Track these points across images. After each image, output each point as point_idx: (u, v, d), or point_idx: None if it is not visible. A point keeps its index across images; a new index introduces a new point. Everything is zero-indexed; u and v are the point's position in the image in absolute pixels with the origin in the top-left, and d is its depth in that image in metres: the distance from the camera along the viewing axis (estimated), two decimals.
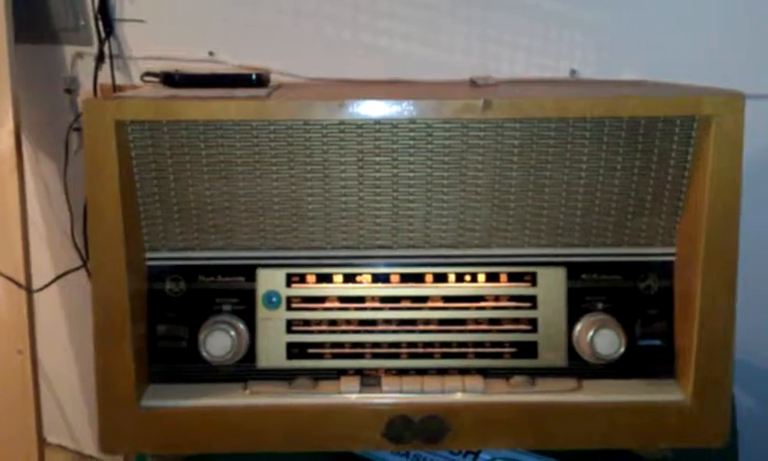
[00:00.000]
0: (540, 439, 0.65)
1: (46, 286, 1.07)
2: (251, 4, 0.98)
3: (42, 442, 1.11)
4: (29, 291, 1.05)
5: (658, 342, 0.66)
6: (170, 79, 0.70)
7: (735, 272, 0.62)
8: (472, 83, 0.81)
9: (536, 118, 0.62)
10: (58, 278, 1.08)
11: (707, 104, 0.61)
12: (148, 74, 0.71)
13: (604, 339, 0.63)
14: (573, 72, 0.92)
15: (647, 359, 0.66)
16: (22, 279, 1.04)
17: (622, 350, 0.63)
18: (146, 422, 0.64)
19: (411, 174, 0.64)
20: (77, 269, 1.05)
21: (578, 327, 0.65)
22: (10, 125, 1.02)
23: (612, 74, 0.92)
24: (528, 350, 0.66)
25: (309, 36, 0.98)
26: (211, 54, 0.98)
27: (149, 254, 0.66)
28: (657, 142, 0.63)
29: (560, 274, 0.66)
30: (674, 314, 0.66)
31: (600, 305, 0.66)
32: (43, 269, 1.12)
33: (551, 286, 0.66)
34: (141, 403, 0.64)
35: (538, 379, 0.65)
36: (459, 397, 0.64)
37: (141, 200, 0.64)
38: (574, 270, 0.66)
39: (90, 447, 1.30)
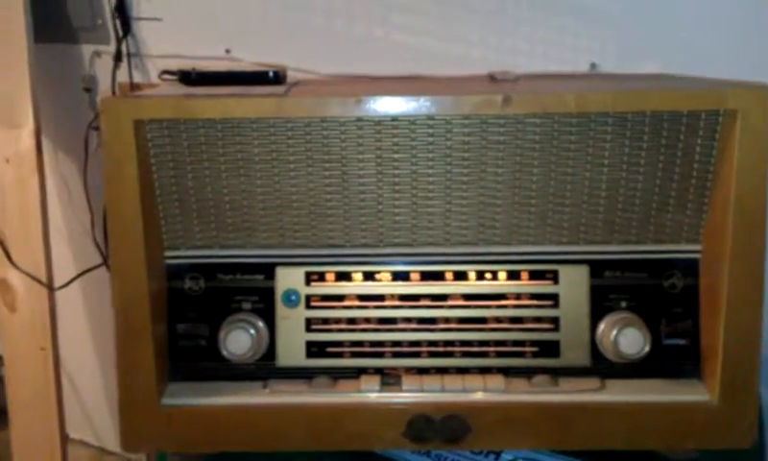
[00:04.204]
0: (562, 439, 0.64)
1: (67, 284, 1.08)
2: (266, 2, 0.98)
3: (65, 438, 1.12)
4: (50, 289, 1.06)
5: (683, 341, 0.65)
6: (187, 77, 0.70)
7: (762, 269, 0.61)
8: (491, 77, 0.80)
9: (557, 113, 0.61)
10: (79, 275, 1.09)
11: (732, 97, 0.59)
12: (165, 72, 0.71)
13: (628, 338, 0.62)
14: (593, 66, 0.91)
15: (672, 358, 0.65)
16: (44, 277, 1.05)
17: (647, 349, 0.62)
18: (167, 420, 0.64)
19: (430, 171, 0.64)
20: (97, 267, 1.05)
21: (601, 326, 0.64)
22: (30, 125, 1.02)
23: (632, 67, 0.90)
24: (550, 349, 0.65)
25: (324, 33, 0.97)
26: (228, 51, 0.98)
27: (168, 253, 0.66)
28: (681, 137, 0.62)
29: (582, 272, 0.65)
30: (699, 312, 0.65)
31: (624, 304, 0.64)
32: (64, 267, 1.13)
33: (573, 284, 0.65)
34: (162, 402, 0.65)
35: (560, 379, 0.64)
36: (480, 396, 0.64)
37: (160, 198, 0.64)
38: (597, 268, 0.65)
39: (112, 443, 1.31)
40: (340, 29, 0.96)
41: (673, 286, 0.65)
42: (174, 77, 0.70)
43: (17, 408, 1.11)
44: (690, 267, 0.65)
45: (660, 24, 0.89)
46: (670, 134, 0.62)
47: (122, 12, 1.00)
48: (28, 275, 1.05)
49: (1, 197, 1.06)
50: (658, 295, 0.65)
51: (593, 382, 0.64)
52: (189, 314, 0.66)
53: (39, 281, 1.05)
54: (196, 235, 0.66)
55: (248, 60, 0.97)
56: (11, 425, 1.12)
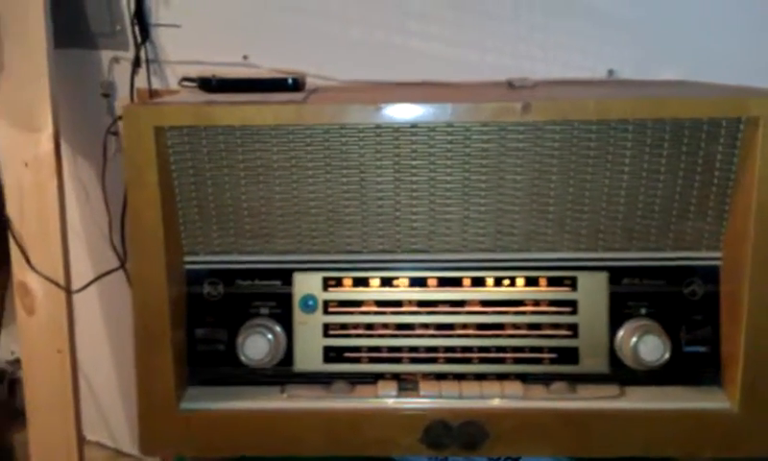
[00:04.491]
0: (580, 446, 0.64)
1: (85, 287, 1.09)
2: (284, 8, 0.98)
3: (81, 439, 1.13)
4: (68, 292, 1.07)
5: (703, 348, 0.64)
6: (207, 84, 0.70)
7: None
8: (509, 84, 0.80)
9: (576, 120, 0.61)
10: (96, 279, 1.10)
11: (754, 104, 0.59)
12: (185, 79, 0.71)
13: (648, 345, 0.61)
14: (611, 72, 0.91)
15: (692, 366, 0.64)
16: (62, 281, 1.06)
17: (667, 356, 0.62)
18: (185, 424, 0.65)
19: (448, 177, 0.64)
20: (115, 270, 1.06)
21: (620, 333, 0.64)
22: (49, 129, 1.04)
23: (649, 74, 0.90)
24: (569, 355, 0.65)
25: (341, 40, 0.98)
26: (245, 58, 0.98)
27: (187, 258, 0.67)
28: (702, 144, 0.62)
29: (601, 278, 0.65)
30: (720, 320, 0.64)
31: (643, 311, 0.64)
32: (82, 270, 1.14)
33: (592, 291, 0.65)
34: (180, 406, 0.65)
35: (578, 386, 0.64)
36: (498, 402, 0.64)
37: (179, 204, 0.65)
38: (616, 274, 0.65)
39: (127, 444, 1.32)
40: (357, 36, 0.97)
41: (693, 293, 0.65)
42: (194, 84, 0.71)
43: (35, 410, 1.12)
44: (711, 274, 0.64)
45: (677, 30, 0.89)
46: (691, 142, 0.61)
47: (141, 18, 1.01)
48: (46, 278, 1.06)
49: (20, 201, 1.07)
50: (677, 302, 0.65)
51: (612, 389, 0.64)
52: (208, 319, 0.67)
53: (57, 285, 1.06)
54: (215, 241, 0.66)
55: (265, 66, 0.97)
56: (28, 427, 1.13)
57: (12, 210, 1.07)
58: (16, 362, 1.27)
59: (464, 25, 0.95)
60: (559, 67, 0.93)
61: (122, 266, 1.05)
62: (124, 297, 1.09)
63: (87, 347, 1.19)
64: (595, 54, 0.92)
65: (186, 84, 0.72)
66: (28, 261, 1.07)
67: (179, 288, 0.66)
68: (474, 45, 0.95)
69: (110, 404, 1.31)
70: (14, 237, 1.07)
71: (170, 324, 0.63)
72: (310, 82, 0.76)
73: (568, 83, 0.90)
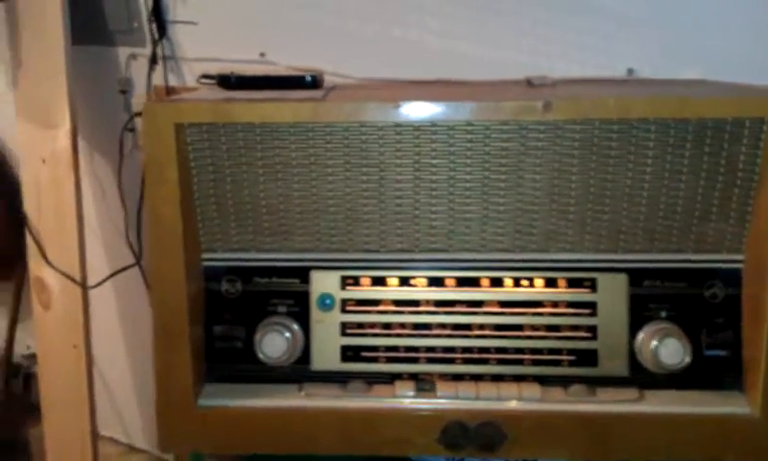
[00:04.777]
0: (599, 450, 0.63)
1: (101, 283, 1.10)
2: (300, 5, 0.98)
3: (96, 434, 1.13)
4: (84, 287, 1.07)
5: (724, 352, 0.64)
6: (226, 81, 0.70)
7: None
8: (528, 82, 0.80)
9: (597, 119, 0.61)
10: (112, 275, 1.10)
11: None
12: (204, 76, 0.71)
13: (669, 348, 0.61)
14: (630, 71, 0.90)
15: (713, 370, 0.64)
16: (78, 276, 1.06)
17: (687, 359, 0.61)
18: (203, 421, 0.65)
19: (467, 176, 0.63)
20: (130, 267, 1.06)
21: (641, 336, 0.63)
22: (66, 125, 1.04)
23: (669, 73, 0.89)
24: (588, 358, 0.64)
25: (357, 36, 0.97)
26: (262, 55, 0.98)
27: (205, 255, 0.67)
28: (725, 145, 0.61)
29: (621, 280, 0.64)
30: (742, 323, 0.63)
31: (664, 313, 0.64)
32: (97, 266, 1.15)
33: (612, 293, 0.64)
34: (198, 403, 0.65)
35: (598, 389, 0.64)
36: (515, 404, 0.63)
37: (198, 201, 0.65)
38: (636, 276, 0.64)
39: (141, 440, 1.32)
40: (372, 33, 0.96)
41: (714, 296, 0.64)
42: (212, 81, 0.71)
43: (50, 404, 1.13)
44: (732, 277, 0.64)
45: (697, 29, 0.88)
46: (713, 142, 0.61)
47: (158, 15, 1.01)
48: (62, 273, 1.07)
49: (37, 196, 1.07)
50: (698, 305, 0.64)
51: (632, 393, 0.63)
52: (226, 316, 0.67)
53: (73, 280, 1.07)
54: (233, 238, 0.66)
55: (282, 63, 0.97)
56: (43, 421, 1.14)
57: (29, 206, 1.08)
58: (32, 357, 1.27)
59: (481, 22, 0.94)
60: (577, 66, 0.92)
61: (137, 262, 1.05)
62: (139, 293, 1.10)
63: (102, 342, 1.19)
64: (614, 52, 0.91)
65: (205, 81, 0.72)
66: (44, 257, 1.07)
67: (197, 285, 0.66)
68: (492, 43, 0.94)
69: (124, 400, 1.31)
70: (31, 233, 1.07)
71: (188, 321, 0.64)
72: (328, 79, 0.75)
73: (588, 81, 0.89)
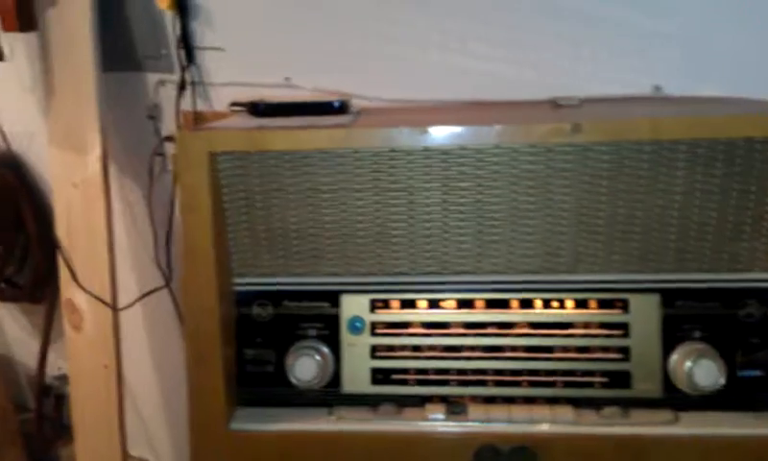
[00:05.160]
0: None
1: (131, 305, 1.11)
2: (324, 30, 0.99)
3: (126, 454, 1.14)
4: (115, 309, 1.09)
5: (759, 372, 0.63)
6: (256, 108, 0.72)
7: None
8: (554, 103, 0.80)
9: (627, 140, 0.60)
10: (142, 297, 1.12)
11: None
12: (235, 104, 0.73)
13: (703, 369, 0.60)
14: (657, 88, 0.89)
15: (748, 391, 0.63)
16: (108, 298, 1.08)
17: (722, 380, 0.60)
18: (235, 444, 0.66)
19: (495, 199, 0.64)
20: (160, 289, 1.08)
21: (674, 357, 0.63)
22: (97, 151, 1.06)
23: (695, 89, 0.89)
24: (621, 379, 0.64)
25: (381, 59, 0.98)
26: (287, 79, 1.00)
27: (237, 280, 0.68)
28: (756, 163, 0.60)
29: (653, 301, 0.64)
30: None
31: (697, 334, 0.63)
32: (127, 288, 1.16)
33: (644, 313, 0.64)
34: (230, 426, 0.66)
35: (631, 410, 0.63)
36: (548, 427, 0.63)
37: (230, 227, 0.66)
38: (669, 297, 0.64)
39: (170, 460, 1.33)
40: (394, 54, 0.97)
41: (749, 315, 0.63)
42: (242, 108, 0.72)
43: (81, 424, 1.15)
44: (767, 296, 0.63)
45: (723, 44, 0.88)
46: (745, 161, 0.60)
47: (186, 42, 1.03)
48: (93, 295, 1.08)
49: (68, 220, 1.10)
50: (733, 325, 0.63)
51: (666, 415, 0.63)
52: (257, 340, 0.67)
53: (104, 302, 1.08)
54: (264, 263, 0.67)
55: (307, 87, 0.98)
56: (75, 441, 1.15)
57: (60, 230, 1.10)
58: (63, 378, 1.29)
59: (505, 42, 0.95)
60: (601, 83, 0.92)
61: (167, 285, 1.07)
62: (168, 314, 1.11)
63: (132, 363, 1.21)
64: (640, 69, 0.90)
65: (235, 108, 0.73)
66: (75, 279, 1.09)
67: (229, 309, 0.67)
68: (516, 62, 0.94)
69: (153, 420, 1.32)
70: (63, 255, 1.10)
71: (221, 345, 0.64)
72: (354, 103, 0.76)
73: (614, 99, 0.89)
